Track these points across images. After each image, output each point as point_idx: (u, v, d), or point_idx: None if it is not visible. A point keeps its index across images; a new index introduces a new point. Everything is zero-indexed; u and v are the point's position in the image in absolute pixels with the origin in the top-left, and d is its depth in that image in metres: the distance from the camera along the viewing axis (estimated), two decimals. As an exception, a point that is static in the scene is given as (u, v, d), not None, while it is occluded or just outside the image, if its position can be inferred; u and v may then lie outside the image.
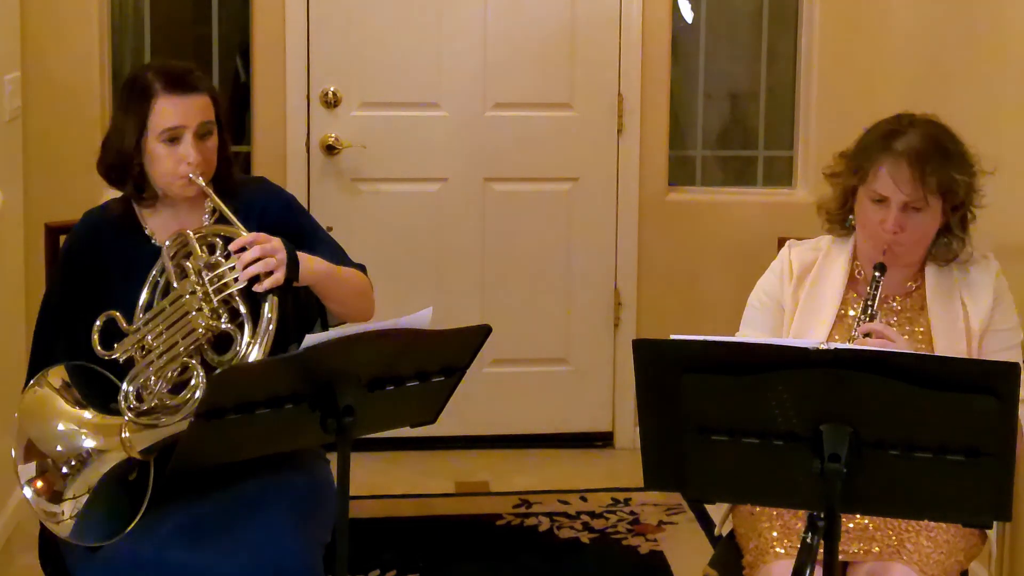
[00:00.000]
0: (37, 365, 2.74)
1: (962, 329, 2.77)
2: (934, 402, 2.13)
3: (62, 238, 3.03)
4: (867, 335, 2.62)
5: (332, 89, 4.53)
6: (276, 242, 2.66)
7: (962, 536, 2.71)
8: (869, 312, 2.68)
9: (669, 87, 4.68)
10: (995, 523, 2.69)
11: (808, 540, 2.28)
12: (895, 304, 2.83)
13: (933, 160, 2.70)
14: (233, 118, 4.61)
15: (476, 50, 4.57)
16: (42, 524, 2.72)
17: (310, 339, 2.30)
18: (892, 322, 2.80)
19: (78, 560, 2.62)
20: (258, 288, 2.62)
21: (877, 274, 2.72)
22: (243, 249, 2.65)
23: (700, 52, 4.79)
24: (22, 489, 2.58)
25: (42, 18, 4.25)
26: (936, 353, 2.74)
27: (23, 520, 3.78)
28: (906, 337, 2.76)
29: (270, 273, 2.62)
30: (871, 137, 2.80)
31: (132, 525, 2.55)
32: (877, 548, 2.66)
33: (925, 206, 2.71)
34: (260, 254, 2.62)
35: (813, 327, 2.81)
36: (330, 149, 4.55)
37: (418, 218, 4.64)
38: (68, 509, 2.57)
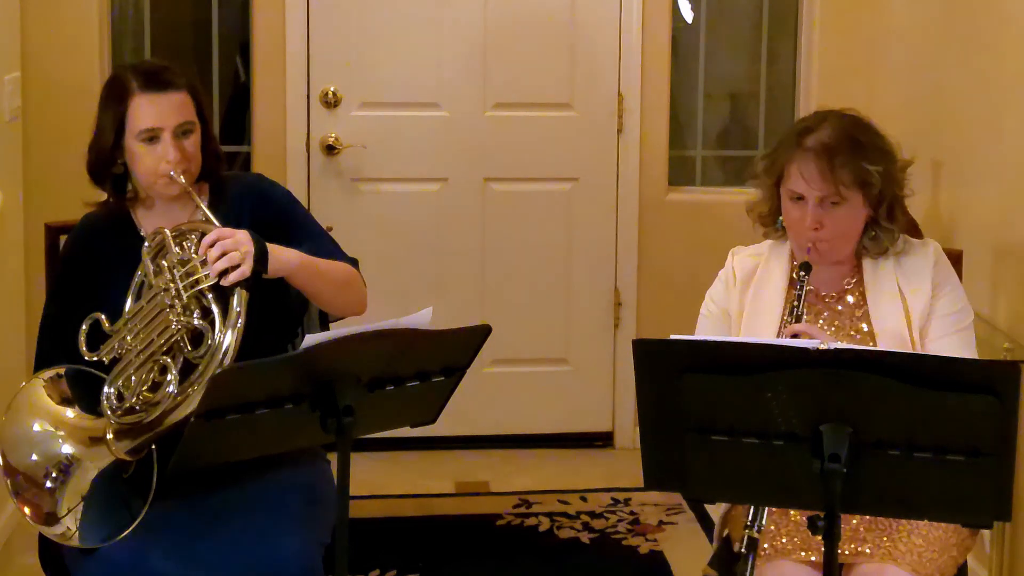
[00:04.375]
0: (40, 368, 2.74)
1: (903, 320, 2.75)
2: (934, 402, 2.13)
3: (62, 238, 3.02)
4: (795, 336, 2.59)
5: (332, 89, 4.53)
6: (242, 235, 2.63)
7: (954, 532, 2.70)
8: (795, 313, 2.67)
9: (669, 87, 4.68)
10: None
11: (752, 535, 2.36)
12: (837, 303, 2.82)
13: (842, 153, 2.68)
14: (233, 118, 4.61)
15: (476, 50, 4.57)
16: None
17: (310, 339, 2.30)
18: (834, 320, 2.79)
19: (78, 560, 2.62)
20: (225, 282, 2.60)
21: (802, 273, 2.70)
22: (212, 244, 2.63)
23: (700, 52, 4.79)
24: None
25: (42, 18, 4.25)
26: (879, 346, 2.73)
27: (23, 520, 3.77)
28: (844, 332, 2.75)
29: (237, 266, 2.61)
30: (785, 136, 2.80)
31: (135, 524, 2.54)
32: (869, 549, 2.65)
33: (842, 200, 2.69)
34: (222, 249, 2.60)
35: (760, 331, 2.80)
36: (330, 149, 4.55)
37: (418, 218, 4.64)
38: (72, 525, 2.54)
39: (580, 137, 4.66)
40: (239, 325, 2.60)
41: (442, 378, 2.50)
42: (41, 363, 2.77)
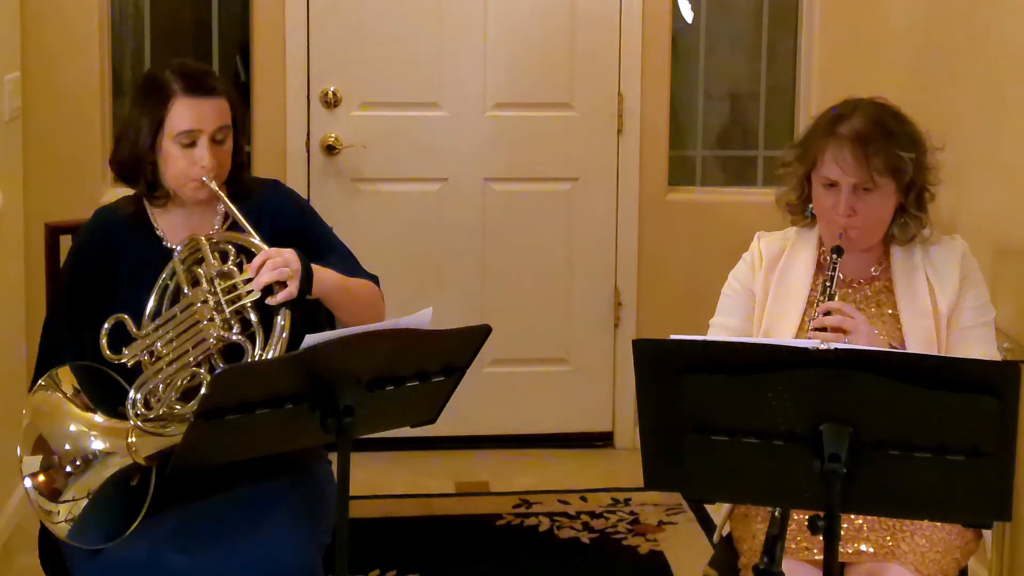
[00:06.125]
0: (44, 363, 2.74)
1: (929, 309, 2.78)
2: (934, 402, 2.13)
3: (62, 238, 3.02)
4: (827, 313, 2.62)
5: (332, 89, 4.53)
6: (290, 254, 2.64)
7: (958, 534, 2.70)
8: (828, 292, 2.69)
9: (669, 87, 4.68)
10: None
11: (776, 514, 2.31)
12: (865, 288, 2.84)
13: (876, 140, 2.72)
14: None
15: (476, 50, 4.57)
16: (43, 524, 2.72)
17: (310, 339, 2.30)
18: (860, 306, 2.80)
19: (78, 561, 2.62)
20: (271, 301, 2.61)
21: (834, 255, 2.73)
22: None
23: (700, 52, 4.79)
24: (23, 480, 2.58)
25: (42, 18, 4.25)
26: (903, 334, 2.76)
27: (23, 520, 3.78)
28: (870, 318, 2.77)
29: (283, 285, 2.61)
30: (817, 124, 2.82)
31: (132, 528, 2.55)
32: (872, 549, 2.66)
33: (874, 187, 2.73)
34: (273, 267, 2.61)
35: (785, 314, 2.82)
36: (330, 149, 4.55)
37: (418, 218, 4.64)
38: (64, 512, 2.56)
39: (580, 137, 4.66)
40: (283, 341, 2.61)
41: (442, 378, 2.50)
42: (46, 355, 2.77)
